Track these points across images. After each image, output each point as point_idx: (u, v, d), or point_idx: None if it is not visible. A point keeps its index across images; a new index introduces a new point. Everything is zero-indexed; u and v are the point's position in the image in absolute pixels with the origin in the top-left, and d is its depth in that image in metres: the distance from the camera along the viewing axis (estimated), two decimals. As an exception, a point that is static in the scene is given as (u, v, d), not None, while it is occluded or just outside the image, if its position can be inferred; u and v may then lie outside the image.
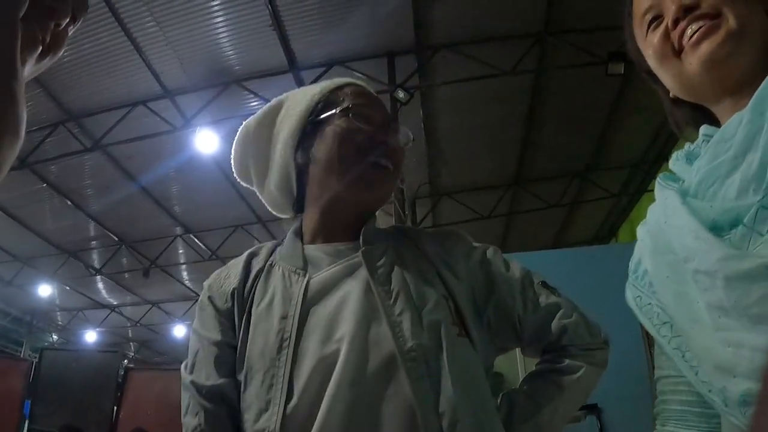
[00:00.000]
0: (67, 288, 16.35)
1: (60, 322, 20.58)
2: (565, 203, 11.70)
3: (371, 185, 1.42)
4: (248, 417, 1.23)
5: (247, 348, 1.30)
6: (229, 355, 1.34)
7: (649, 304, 1.02)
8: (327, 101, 1.48)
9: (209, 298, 1.42)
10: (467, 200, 11.43)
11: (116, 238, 13.47)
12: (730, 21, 0.94)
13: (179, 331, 19.60)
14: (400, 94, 8.11)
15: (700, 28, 0.97)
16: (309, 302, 1.30)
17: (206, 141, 9.26)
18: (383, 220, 1.63)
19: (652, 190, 1.02)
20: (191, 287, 16.61)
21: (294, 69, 8.34)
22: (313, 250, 1.42)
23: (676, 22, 1.00)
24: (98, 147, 9.49)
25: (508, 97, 8.92)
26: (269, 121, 1.56)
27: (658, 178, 1.08)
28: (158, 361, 21.99)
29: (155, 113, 8.98)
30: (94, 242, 13.86)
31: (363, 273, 1.31)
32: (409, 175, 8.85)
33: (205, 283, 1.49)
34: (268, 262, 1.43)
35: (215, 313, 1.39)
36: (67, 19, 0.90)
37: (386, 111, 1.55)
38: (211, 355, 1.34)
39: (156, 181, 10.95)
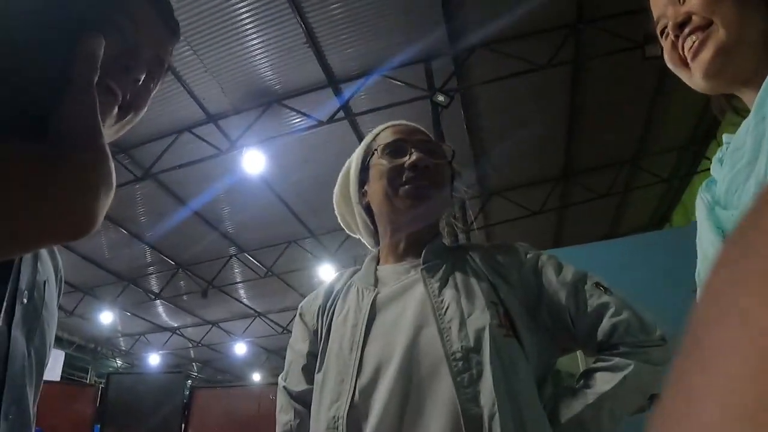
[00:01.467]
0: (128, 314, 16.69)
1: (123, 347, 21.02)
2: (615, 192, 11.49)
3: (411, 206, 1.58)
4: (323, 407, 1.42)
5: (327, 352, 1.51)
6: (314, 364, 1.56)
7: None
8: (369, 150, 1.72)
9: (300, 315, 1.70)
10: (516, 197, 11.35)
11: (173, 262, 13.70)
12: (720, 32, 0.97)
13: (240, 349, 19.83)
14: (440, 98, 8.11)
15: (694, 42, 1.00)
16: (375, 313, 1.50)
17: (253, 161, 9.38)
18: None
19: (703, 171, 1.04)
20: (249, 305, 16.83)
21: (332, 83, 8.39)
22: (384, 270, 1.63)
23: (676, 37, 1.05)
24: (148, 176, 9.69)
25: (548, 90, 8.85)
26: (345, 182, 1.80)
27: (701, 188, 1.10)
28: (221, 380, 22.27)
29: (201, 138, 9.15)
30: (151, 268, 14.13)
31: (421, 287, 1.49)
32: (456, 176, 8.83)
33: (299, 305, 1.74)
34: (347, 284, 1.66)
35: (305, 328, 1.66)
36: (144, 74, 0.97)
37: (421, 136, 1.69)
38: (300, 365, 1.60)
39: (207, 204, 11.12)
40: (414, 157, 1.59)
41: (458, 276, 1.51)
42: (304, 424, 1.52)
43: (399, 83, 8.09)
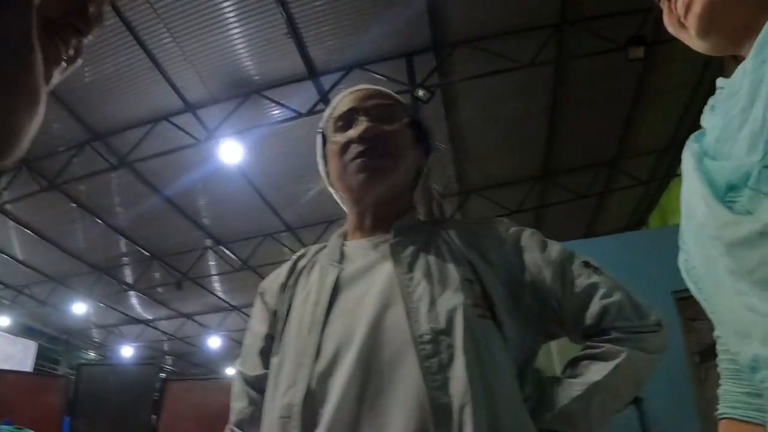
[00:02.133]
0: (102, 305, 16.53)
1: (96, 339, 20.85)
2: (593, 193, 11.56)
3: (363, 182, 1.45)
4: (277, 393, 1.31)
5: (285, 334, 1.40)
6: (272, 346, 1.45)
7: (694, 267, 0.99)
8: (327, 124, 1.60)
9: (261, 294, 1.58)
10: (495, 196, 11.36)
11: (147, 253, 13.57)
12: None
13: (214, 342, 19.75)
14: (420, 93, 8.09)
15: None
16: (339, 291, 1.37)
17: (230, 152, 9.34)
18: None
19: (681, 175, 0.99)
20: (224, 298, 16.75)
21: (313, 75, 8.34)
22: (351, 246, 1.51)
23: None
24: (124, 164, 9.60)
25: (530, 89, 8.85)
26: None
27: (689, 140, 1.05)
28: (195, 373, 22.16)
29: (178, 127, 9.05)
30: (125, 258, 14.00)
31: (389, 263, 1.37)
32: (434, 173, 8.81)
33: (261, 283, 1.63)
34: (312, 261, 1.55)
35: (264, 308, 1.54)
36: (88, 33, 0.90)
37: (375, 100, 1.54)
38: (257, 347, 1.48)
39: (183, 195, 11.06)
40: (360, 127, 1.46)
41: (431, 252, 1.40)
42: (259, 411, 1.39)
43: (380, 77, 8.04)
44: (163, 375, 12.90)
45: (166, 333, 19.32)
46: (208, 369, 22.18)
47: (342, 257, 1.48)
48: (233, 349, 20.97)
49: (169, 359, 22.51)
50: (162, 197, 10.96)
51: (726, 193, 0.80)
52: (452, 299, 1.26)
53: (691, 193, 0.91)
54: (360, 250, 1.48)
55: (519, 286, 1.36)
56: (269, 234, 12.66)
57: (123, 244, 13.14)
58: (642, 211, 13.08)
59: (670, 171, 11.04)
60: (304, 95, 8.51)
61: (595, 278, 1.33)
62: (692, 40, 1.00)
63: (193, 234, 12.73)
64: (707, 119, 1.04)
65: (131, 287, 15.16)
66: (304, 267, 1.55)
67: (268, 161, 9.88)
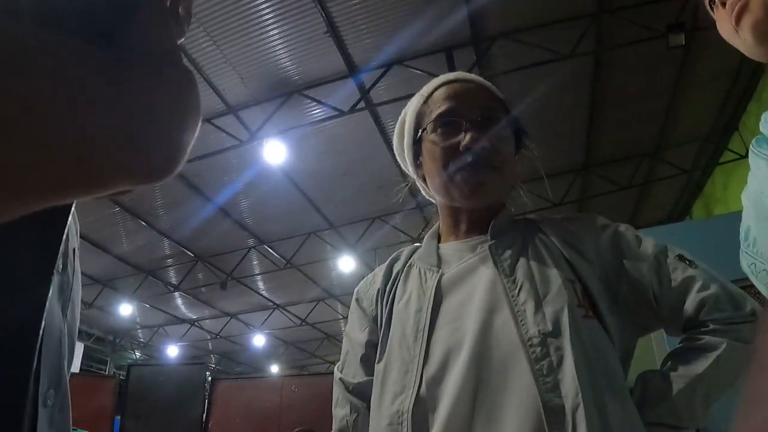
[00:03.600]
0: (147, 306, 16.73)
1: (142, 339, 21.12)
2: (636, 184, 11.39)
3: (469, 196, 1.44)
4: (385, 401, 1.31)
5: (388, 340, 1.41)
6: (374, 354, 1.46)
7: (764, 270, 0.97)
8: (421, 116, 1.54)
9: (357, 301, 1.60)
10: (537, 189, 11.12)
11: (191, 254, 13.72)
12: (752, 3, 0.91)
13: (259, 340, 19.88)
14: (462, 89, 8.03)
15: (735, 7, 0.94)
16: (441, 296, 1.37)
17: (273, 152, 9.36)
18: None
19: (725, 163, 0.98)
20: (268, 297, 16.86)
21: (353, 73, 8.33)
22: (447, 249, 1.50)
23: (723, 5, 0.98)
24: (168, 167, 9.65)
25: (570, 81, 8.73)
26: (400, 136, 1.65)
27: (751, 144, 1.03)
28: (239, 371, 22.36)
29: (221, 129, 9.11)
30: (170, 260, 14.15)
31: (490, 266, 1.36)
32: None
33: (356, 289, 1.64)
34: (407, 264, 1.54)
35: (363, 315, 1.56)
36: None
37: (479, 100, 1.50)
38: (358, 354, 1.50)
39: (226, 196, 11.12)
40: (468, 138, 1.41)
41: (530, 252, 1.38)
42: (363, 419, 1.42)
43: (420, 72, 8.00)
44: (208, 374, 13.02)
45: (210, 332, 19.51)
46: (252, 367, 22.37)
47: (439, 260, 1.47)
48: (276, 348, 21.14)
49: (213, 358, 22.73)
50: (205, 199, 11.05)
51: None
52: (557, 301, 1.26)
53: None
54: (457, 252, 1.47)
55: (616, 281, 1.36)
56: (312, 232, 12.68)
57: (167, 246, 13.28)
58: (686, 202, 12.86)
59: (713, 159, 10.84)
60: (344, 93, 8.50)
61: (690, 271, 1.31)
62: (746, 46, 0.98)
63: (236, 234, 12.81)
64: (766, 127, 1.02)
65: (176, 288, 15.32)
66: (400, 271, 1.54)
67: (310, 160, 9.90)
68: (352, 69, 8.28)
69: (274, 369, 21.40)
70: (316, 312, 17.33)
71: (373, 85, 8.31)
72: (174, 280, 15.17)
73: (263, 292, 16.56)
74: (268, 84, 8.44)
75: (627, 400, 1.23)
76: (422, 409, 1.24)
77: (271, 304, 17.25)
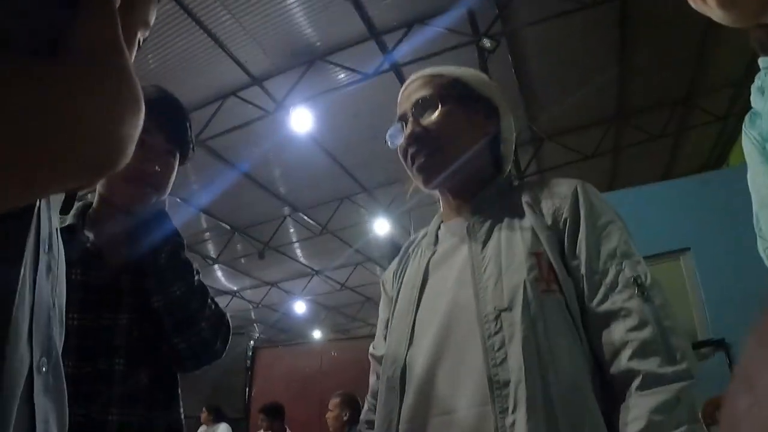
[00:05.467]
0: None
1: (185, 313, 21.41)
2: (669, 133, 11.13)
3: (425, 185, 1.59)
4: (386, 367, 1.48)
5: (393, 316, 1.56)
6: None
7: None
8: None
9: (382, 283, 1.76)
10: (569, 141, 11.11)
11: (228, 227, 13.84)
12: None
13: (300, 307, 20.09)
14: (486, 44, 7.90)
15: None
16: (429, 273, 1.51)
17: (301, 120, 9.37)
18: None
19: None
20: (306, 263, 16.98)
21: (375, 35, 8.24)
22: (444, 228, 1.62)
23: None
24: (197, 143, 9.70)
25: (597, 29, 8.51)
26: None
27: (744, 122, 0.99)
28: (282, 339, 22.64)
29: (246, 101, 9.12)
30: (207, 234, 14.30)
31: (466, 244, 1.45)
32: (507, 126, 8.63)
33: (383, 273, 1.79)
34: (417, 245, 1.68)
35: (385, 295, 1.72)
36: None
37: (417, 93, 1.58)
38: (382, 330, 1.67)
39: (258, 166, 11.18)
40: (405, 135, 1.56)
41: (503, 227, 1.42)
42: None
43: (442, 30, 7.89)
44: (252, 343, 13.22)
45: (251, 302, 19.75)
46: (295, 334, 22.61)
47: (436, 240, 1.60)
48: (318, 313, 21.35)
49: (256, 327, 23.04)
50: (237, 171, 11.09)
51: None
52: (516, 276, 1.30)
53: (761, 183, 0.85)
54: (449, 232, 1.58)
55: (570, 256, 1.34)
56: (346, 197, 12.71)
57: (203, 220, 13.42)
58: (722, 149, 12.52)
59: (748, 105, 10.52)
60: (367, 56, 8.43)
61: (633, 303, 1.22)
62: (714, 12, 0.94)
63: (270, 204, 12.88)
64: (757, 101, 0.98)
65: (215, 261, 15.49)
66: (412, 251, 1.68)
67: (338, 125, 9.88)
68: (373, 31, 8.19)
69: (317, 335, 21.62)
70: (355, 276, 17.43)
71: (396, 45, 8.22)
72: (212, 254, 15.34)
73: (301, 259, 16.68)
74: (290, 52, 8.40)
75: (578, 378, 1.22)
76: (405, 376, 1.39)
77: (309, 270, 17.38)
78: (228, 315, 1.80)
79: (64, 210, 0.90)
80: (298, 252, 16.28)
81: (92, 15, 0.68)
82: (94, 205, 1.74)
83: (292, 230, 14.61)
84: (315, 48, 8.42)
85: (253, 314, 21.29)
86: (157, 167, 1.68)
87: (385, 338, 1.61)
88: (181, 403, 1.70)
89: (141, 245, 1.64)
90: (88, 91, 0.62)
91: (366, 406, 1.68)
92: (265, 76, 8.86)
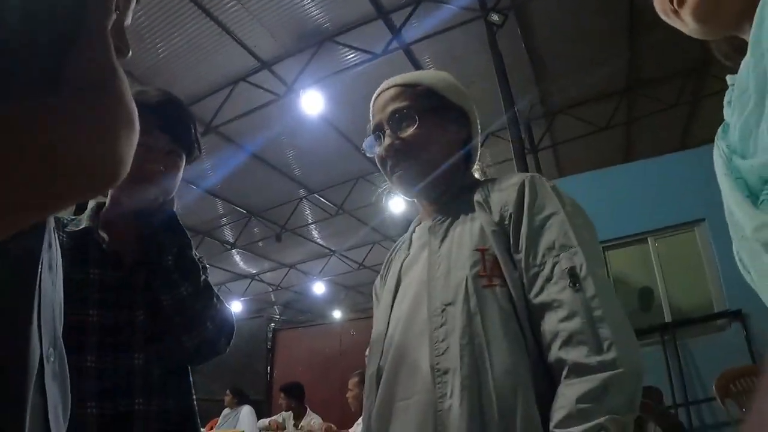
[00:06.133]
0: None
1: (206, 298, 21.56)
2: (684, 102, 10.97)
3: (404, 192, 1.67)
4: (371, 364, 1.54)
5: (376, 316, 1.64)
6: None
7: (741, 260, 0.94)
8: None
9: (374, 289, 1.81)
10: (583, 113, 11.03)
11: (244, 211, 13.94)
12: None
13: (319, 288, 20.18)
14: (494, 17, 7.86)
15: None
16: (402, 275, 1.59)
17: (312, 102, 9.39)
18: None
19: None
20: (324, 244, 17.06)
21: (383, 14, 8.21)
22: (416, 231, 1.70)
23: None
24: (210, 130, 9.77)
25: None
26: None
27: (717, 133, 1.00)
28: (303, 320, 22.77)
29: (257, 86, 9.16)
30: (224, 219, 14.41)
31: (427, 245, 1.54)
32: (519, 98, 8.60)
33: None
34: (398, 249, 1.73)
35: (376, 299, 1.75)
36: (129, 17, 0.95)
37: (392, 105, 1.62)
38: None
39: (271, 150, 11.23)
40: (383, 145, 1.61)
41: (458, 225, 1.51)
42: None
43: (450, 6, 7.84)
44: (272, 325, 13.32)
45: (271, 284, 19.88)
46: (316, 315, 22.73)
47: (411, 243, 1.67)
48: (337, 293, 21.43)
49: (277, 309, 23.18)
50: (251, 155, 11.15)
51: (761, 190, 0.77)
52: (460, 272, 1.39)
53: (728, 197, 0.87)
54: (419, 235, 1.65)
55: (514, 248, 1.39)
56: (360, 176, 12.71)
57: (220, 206, 13.50)
58: (737, 118, 12.36)
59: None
60: (376, 36, 8.42)
61: (565, 295, 1.26)
62: (687, 26, 0.95)
63: (286, 186, 12.94)
64: (727, 114, 0.99)
65: (233, 245, 15.60)
66: (393, 257, 1.72)
67: (350, 105, 9.84)
68: (380, 9, 8.17)
69: (337, 315, 21.73)
70: (373, 254, 17.45)
71: (405, 22, 8.18)
72: (230, 238, 15.44)
73: (318, 240, 16.75)
74: (298, 35, 8.40)
75: (512, 366, 1.26)
76: (381, 371, 1.47)
77: (327, 251, 17.46)
78: (232, 312, 1.84)
79: (78, 210, 0.99)
80: (315, 233, 16.35)
81: (88, 45, 0.74)
82: (106, 205, 1.78)
83: (308, 212, 14.65)
84: (323, 29, 8.41)
85: (272, 297, 21.45)
86: (162, 168, 1.70)
87: None
88: (193, 391, 1.76)
89: (149, 245, 1.69)
90: (88, 120, 0.68)
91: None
92: (275, 60, 8.88)
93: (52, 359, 0.86)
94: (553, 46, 9.24)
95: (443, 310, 1.36)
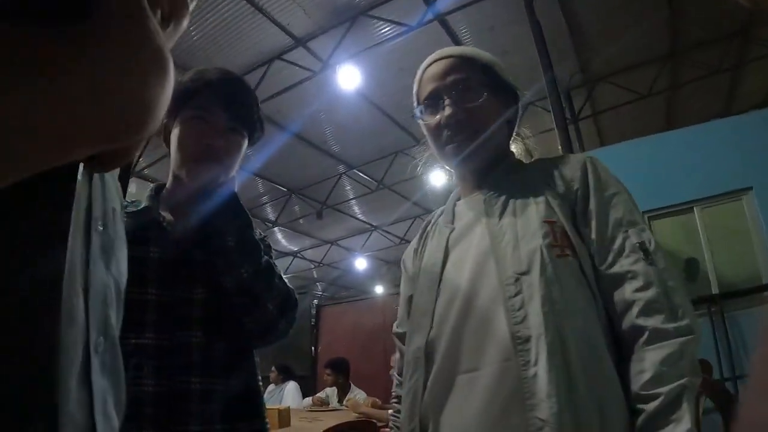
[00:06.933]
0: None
1: (248, 277, 21.84)
2: (727, 68, 10.60)
3: (458, 165, 1.66)
4: (411, 339, 1.56)
5: (415, 292, 1.64)
6: None
7: None
8: (417, 96, 1.74)
9: (402, 262, 1.83)
10: (623, 81, 10.79)
11: (285, 189, 14.01)
12: None
13: (360, 264, 20.29)
14: (532, -14, 7.72)
15: None
16: (450, 249, 1.59)
17: (348, 77, 9.37)
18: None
19: None
20: (364, 219, 17.09)
21: (416, -15, 8.11)
22: (460, 205, 1.69)
23: None
24: (248, 108, 9.76)
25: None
26: None
27: None
28: (345, 296, 22.94)
29: (293, 63, 9.14)
30: (264, 198, 14.50)
31: (484, 217, 1.54)
32: (557, 67, 8.44)
33: (404, 253, 1.86)
34: (435, 223, 1.75)
35: (406, 274, 1.79)
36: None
37: (455, 74, 1.62)
38: (404, 308, 1.74)
39: (309, 127, 11.22)
40: (445, 115, 1.59)
41: (517, 200, 1.52)
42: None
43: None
44: (315, 301, 13.43)
45: (313, 261, 20.03)
46: (358, 290, 22.88)
47: (454, 217, 1.67)
48: (378, 268, 21.51)
49: (319, 285, 23.38)
50: (289, 133, 11.14)
51: None
52: (532, 242, 1.40)
53: None
54: (465, 208, 1.66)
55: (582, 223, 1.46)
56: (399, 150, 12.64)
57: (260, 185, 13.58)
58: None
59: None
60: (410, 7, 8.30)
61: (638, 266, 1.35)
62: None
63: (325, 163, 12.95)
64: None
65: (274, 224, 15.71)
66: (430, 231, 1.75)
67: (386, 79, 9.79)
68: (414, -19, 8.04)
69: (379, 290, 21.86)
70: (414, 229, 17.36)
71: (441, -6, 8.09)
72: (271, 216, 15.55)
73: (359, 215, 16.78)
74: (332, 10, 8.33)
75: (592, 334, 1.33)
76: (433, 344, 1.48)
77: (368, 226, 17.49)
78: (295, 292, 1.83)
79: (123, 180, 0.95)
80: (356, 209, 16.37)
81: None
82: (167, 185, 1.81)
83: (348, 188, 14.66)
84: (356, 4, 8.33)
85: (314, 273, 21.62)
86: (221, 143, 1.70)
87: (408, 316, 1.66)
88: (258, 371, 1.77)
89: (210, 225, 1.68)
90: (106, 50, 0.60)
91: (394, 383, 1.82)
92: (309, 37, 8.83)
93: (100, 349, 0.81)
94: (592, 13, 9.01)
95: (517, 279, 1.36)
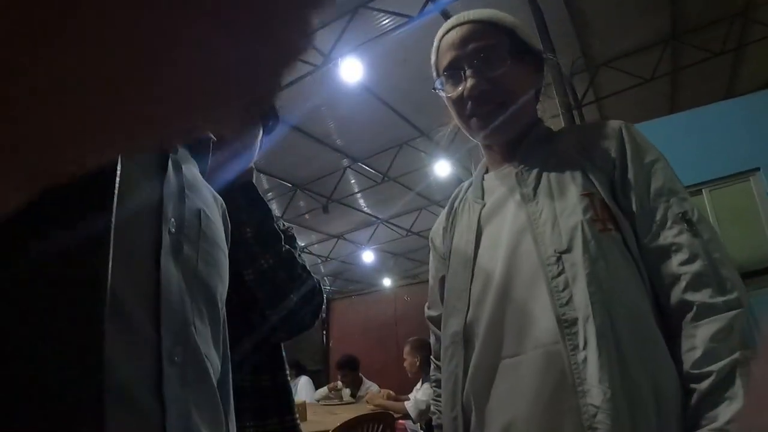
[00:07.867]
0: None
1: (257, 271, 21.79)
2: (729, 49, 10.52)
3: (485, 137, 1.57)
4: (448, 324, 1.50)
5: (449, 272, 1.57)
6: None
7: None
8: (436, 67, 1.64)
9: (431, 241, 1.78)
10: (626, 66, 10.74)
11: (289, 184, 13.97)
12: None
13: (368, 257, 20.23)
14: (533, -29, 7.68)
15: None
16: (482, 226, 1.52)
17: (350, 70, 9.31)
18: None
19: None
20: (371, 213, 17.02)
21: (416, -24, 8.08)
22: (488, 180, 1.62)
23: None
24: (249, 104, 9.74)
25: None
26: None
27: None
28: (353, 289, 22.92)
29: (294, 58, 9.05)
30: (270, 193, 14.45)
31: (517, 192, 1.47)
32: (559, 53, 8.40)
33: (431, 230, 1.81)
34: (464, 198, 1.68)
35: (435, 254, 1.74)
36: None
37: (475, 43, 1.52)
38: (437, 290, 1.68)
39: (312, 121, 11.16)
40: (468, 85, 1.50)
41: (553, 170, 1.45)
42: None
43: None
44: (325, 296, 13.42)
45: (320, 256, 19.99)
46: (366, 284, 22.84)
47: (483, 192, 1.60)
48: (386, 261, 21.48)
49: (327, 280, 23.34)
50: (292, 128, 11.12)
51: None
52: (572, 218, 1.34)
53: None
54: (495, 183, 1.58)
55: (622, 195, 1.39)
56: (404, 142, 12.61)
57: (264, 181, 13.56)
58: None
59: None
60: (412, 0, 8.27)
61: (683, 238, 1.30)
62: None
63: (329, 157, 12.90)
64: None
65: (280, 219, 15.61)
66: (458, 207, 1.68)
67: (389, 71, 9.76)
68: (413, -28, 8.00)
69: (387, 282, 21.85)
70: (420, 221, 17.37)
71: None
72: (277, 212, 15.44)
73: (365, 209, 16.73)
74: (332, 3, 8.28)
75: (640, 310, 1.27)
76: (471, 328, 1.42)
77: (374, 219, 17.43)
78: (319, 284, 1.83)
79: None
80: (362, 202, 16.31)
81: None
82: None
83: (353, 181, 14.61)
84: (356, -4, 8.28)
85: (322, 268, 21.58)
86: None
87: (442, 297, 1.60)
88: (286, 365, 1.76)
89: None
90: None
91: (432, 366, 1.78)
92: (310, 31, 8.77)
93: (177, 360, 0.77)
94: (593, -2, 8.99)
95: (558, 258, 1.30)
